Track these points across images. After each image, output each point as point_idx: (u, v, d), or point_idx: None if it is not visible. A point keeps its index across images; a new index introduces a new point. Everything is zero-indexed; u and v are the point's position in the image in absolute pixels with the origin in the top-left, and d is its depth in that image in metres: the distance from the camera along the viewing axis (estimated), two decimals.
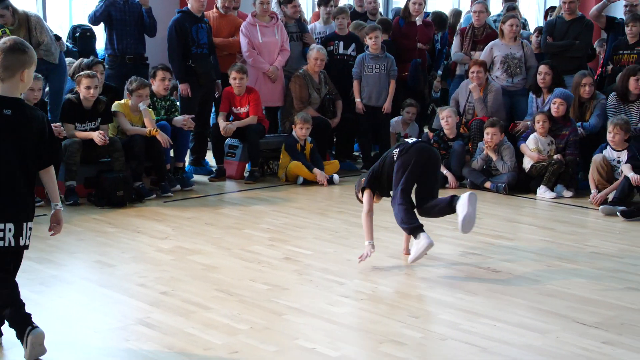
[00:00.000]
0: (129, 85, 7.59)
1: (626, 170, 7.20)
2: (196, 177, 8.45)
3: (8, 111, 3.54)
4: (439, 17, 10.78)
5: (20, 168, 3.57)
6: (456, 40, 9.64)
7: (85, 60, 7.85)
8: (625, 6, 9.63)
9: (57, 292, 4.63)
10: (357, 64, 9.21)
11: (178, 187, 7.70)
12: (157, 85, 7.90)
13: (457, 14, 11.33)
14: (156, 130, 7.41)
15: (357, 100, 9.20)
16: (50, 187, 3.78)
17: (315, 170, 8.25)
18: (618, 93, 8.10)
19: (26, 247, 3.65)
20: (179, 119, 7.89)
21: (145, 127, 7.52)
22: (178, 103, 8.36)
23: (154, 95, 7.89)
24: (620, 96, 8.07)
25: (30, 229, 3.66)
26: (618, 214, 6.89)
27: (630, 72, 8.02)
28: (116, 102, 7.60)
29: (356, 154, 10.02)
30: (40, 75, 7.13)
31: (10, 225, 3.56)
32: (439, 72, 10.82)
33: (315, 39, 9.62)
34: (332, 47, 9.50)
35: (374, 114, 9.24)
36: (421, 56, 9.86)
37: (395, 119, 9.46)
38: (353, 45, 9.55)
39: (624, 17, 9.64)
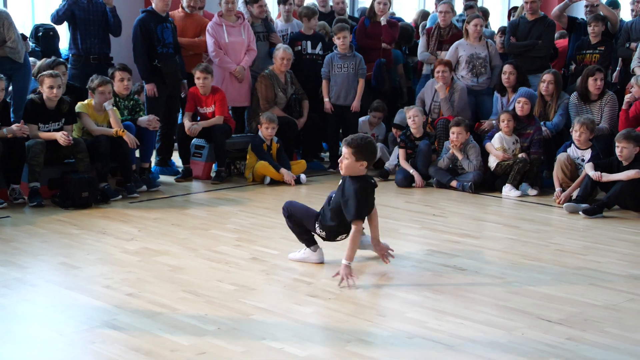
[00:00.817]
0: (90, 84, 7.50)
1: (588, 168, 7.29)
2: (162, 178, 8.40)
3: None
4: (405, 30, 10.55)
5: None
6: (422, 40, 9.70)
7: (47, 60, 7.76)
8: (586, 6, 9.76)
9: (21, 295, 4.56)
10: (326, 64, 9.21)
11: (144, 187, 7.65)
12: (117, 86, 7.83)
13: (424, 15, 11.35)
14: (123, 131, 7.35)
15: (326, 99, 9.21)
16: None
17: (283, 170, 8.25)
18: (579, 93, 8.21)
19: None
20: (144, 119, 7.83)
21: (110, 127, 7.45)
22: (142, 103, 8.30)
23: (116, 95, 7.83)
24: (582, 96, 8.19)
25: None
26: (580, 212, 6.98)
27: (589, 72, 8.14)
28: (79, 103, 7.51)
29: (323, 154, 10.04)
30: (2, 76, 7.04)
31: None
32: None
33: (281, 35, 9.61)
34: (300, 47, 9.49)
35: (342, 113, 9.26)
36: (386, 56, 9.89)
37: (362, 118, 9.48)
38: (320, 45, 9.56)
39: (585, 17, 9.79)
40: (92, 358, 3.69)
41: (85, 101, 7.53)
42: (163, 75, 8.39)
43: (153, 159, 8.43)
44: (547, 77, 8.35)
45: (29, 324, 4.13)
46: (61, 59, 8.06)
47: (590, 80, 8.08)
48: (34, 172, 6.97)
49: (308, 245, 5.31)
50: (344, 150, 4.96)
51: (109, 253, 5.51)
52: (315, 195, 7.55)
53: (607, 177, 7.12)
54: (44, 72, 7.20)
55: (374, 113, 9.41)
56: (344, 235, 5.16)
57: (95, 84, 7.43)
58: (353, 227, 4.86)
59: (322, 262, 5.27)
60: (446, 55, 9.21)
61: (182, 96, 8.77)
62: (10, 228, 6.29)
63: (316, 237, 5.31)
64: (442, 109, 8.79)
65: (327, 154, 9.85)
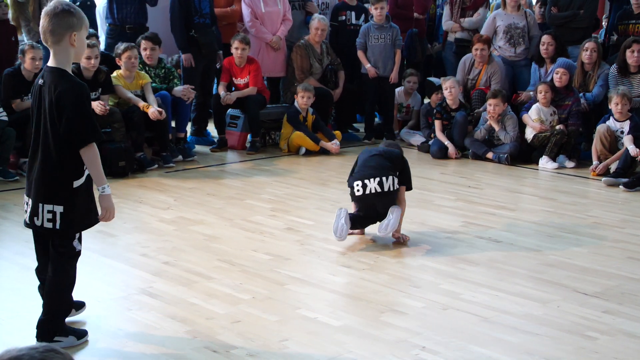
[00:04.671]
0: (116, 50, 7.54)
1: (627, 142, 7.18)
2: (198, 148, 8.44)
3: (41, 81, 3.37)
4: None
5: (46, 144, 3.34)
6: (446, 10, 9.58)
7: None
8: None
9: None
10: (362, 34, 9.14)
11: (180, 157, 7.70)
12: (142, 54, 7.86)
13: None
14: (148, 106, 7.35)
15: (368, 66, 9.12)
16: (90, 169, 3.45)
17: (321, 142, 8.22)
18: (618, 66, 8.06)
19: (44, 228, 3.40)
20: (179, 89, 7.86)
21: (143, 95, 7.50)
22: (175, 71, 8.30)
23: (145, 64, 7.85)
24: (620, 69, 8.03)
25: (50, 212, 3.36)
26: (621, 186, 6.88)
27: (627, 44, 7.98)
28: (111, 76, 7.53)
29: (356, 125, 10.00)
30: (39, 45, 7.09)
31: (27, 200, 3.44)
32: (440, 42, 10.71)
33: (320, 5, 9.55)
34: (344, 17, 9.44)
35: (379, 84, 9.19)
36: (418, 26, 9.79)
37: (397, 89, 9.42)
38: (363, 16, 9.50)
39: None
40: (129, 324, 3.75)
41: (115, 73, 7.54)
42: (200, 45, 8.39)
43: (188, 129, 8.47)
44: (589, 45, 8.18)
45: None
46: (92, 32, 8.06)
47: (628, 53, 7.92)
48: None
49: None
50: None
51: (145, 222, 5.56)
52: (349, 167, 7.53)
53: None
54: None
55: (409, 78, 9.33)
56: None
57: (120, 50, 7.46)
58: None
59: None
60: (483, 28, 9.10)
61: (218, 67, 8.77)
62: None
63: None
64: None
65: (362, 124, 9.80)
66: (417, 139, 8.85)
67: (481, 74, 8.76)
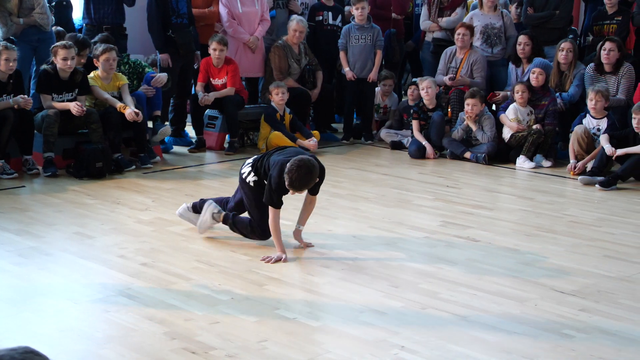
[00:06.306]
0: (94, 51, 7.48)
1: (603, 141, 7.24)
2: (176, 149, 8.42)
3: None
4: None
5: None
6: (424, 10, 9.61)
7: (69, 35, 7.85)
8: None
9: (37, 264, 4.60)
10: (343, 35, 9.15)
11: (158, 158, 7.66)
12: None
13: None
14: (124, 107, 7.31)
15: (347, 69, 9.13)
16: None
17: (299, 141, 8.22)
18: (595, 64, 8.12)
19: None
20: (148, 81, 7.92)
21: (120, 96, 7.46)
22: (140, 63, 8.25)
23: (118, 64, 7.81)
24: (597, 67, 8.10)
25: None
26: (597, 185, 6.94)
27: (601, 44, 8.07)
28: (88, 76, 7.47)
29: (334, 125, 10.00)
30: (13, 46, 7.05)
31: None
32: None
33: (300, 4, 9.54)
34: (321, 17, 9.44)
35: (358, 84, 9.20)
36: (396, 26, 9.82)
37: (376, 89, 9.43)
38: (340, 17, 9.51)
39: None
40: (107, 326, 3.72)
41: (92, 73, 7.48)
42: (177, 46, 8.36)
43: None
44: (565, 45, 8.24)
45: (44, 293, 4.16)
46: (83, 39, 7.96)
47: (602, 53, 7.99)
48: (48, 142, 6.99)
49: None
50: None
51: (123, 223, 5.53)
52: (327, 167, 7.52)
53: (622, 150, 7.07)
54: (58, 43, 7.19)
55: (384, 81, 9.36)
56: None
57: (99, 52, 7.40)
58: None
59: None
60: (448, 24, 9.17)
61: (195, 67, 8.74)
62: (25, 197, 6.33)
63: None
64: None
65: (340, 124, 9.80)
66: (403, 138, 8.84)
67: (462, 61, 8.77)
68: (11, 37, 7.94)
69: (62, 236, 5.27)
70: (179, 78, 8.54)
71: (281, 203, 4.80)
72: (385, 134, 9.06)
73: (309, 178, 4.62)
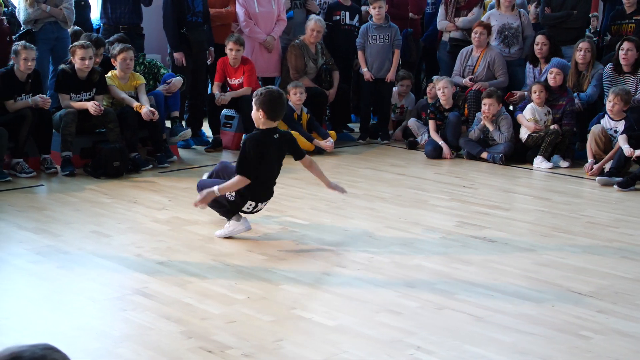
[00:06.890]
0: (112, 51, 7.52)
1: (621, 141, 7.19)
2: (192, 148, 8.44)
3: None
4: None
5: None
6: (441, 9, 9.58)
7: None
8: None
9: (54, 262, 4.63)
10: (361, 34, 9.15)
11: (174, 158, 7.69)
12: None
13: None
14: (140, 106, 7.34)
15: (365, 69, 9.13)
16: None
17: (315, 141, 8.22)
18: (614, 64, 8.07)
19: None
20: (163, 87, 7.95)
21: (137, 96, 7.50)
22: (156, 63, 8.27)
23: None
24: (616, 67, 8.04)
25: None
26: (615, 186, 6.89)
27: (619, 44, 8.01)
28: (106, 76, 7.51)
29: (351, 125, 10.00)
30: (32, 45, 7.09)
31: None
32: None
33: (321, 4, 9.54)
34: (338, 17, 9.45)
35: (375, 84, 9.19)
36: (413, 26, 9.79)
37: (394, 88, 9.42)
38: (357, 16, 9.50)
39: None
40: (124, 325, 3.74)
41: (109, 73, 7.52)
42: (189, 43, 8.38)
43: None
44: (583, 45, 8.19)
45: (62, 291, 4.19)
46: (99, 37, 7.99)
47: (620, 52, 7.94)
48: (66, 141, 7.04)
49: (229, 218, 5.20)
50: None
51: (139, 222, 5.56)
52: (343, 166, 7.56)
53: None
54: (76, 43, 7.23)
55: (402, 82, 9.35)
56: (252, 203, 5.13)
57: (116, 51, 7.43)
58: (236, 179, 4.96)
59: (249, 229, 5.18)
60: (464, 23, 9.14)
61: (209, 63, 8.75)
62: (43, 196, 6.38)
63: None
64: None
65: (357, 124, 9.80)
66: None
67: (479, 60, 8.75)
68: (29, 28, 7.98)
69: (79, 235, 5.29)
70: (192, 76, 8.54)
71: (250, 174, 4.93)
72: (413, 122, 8.94)
73: (278, 99, 4.99)
